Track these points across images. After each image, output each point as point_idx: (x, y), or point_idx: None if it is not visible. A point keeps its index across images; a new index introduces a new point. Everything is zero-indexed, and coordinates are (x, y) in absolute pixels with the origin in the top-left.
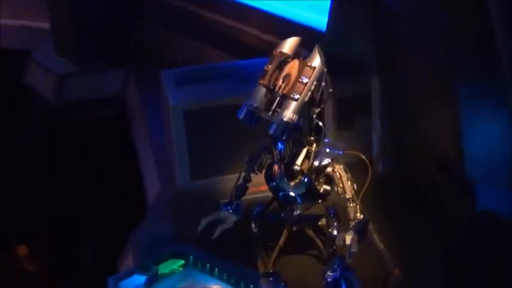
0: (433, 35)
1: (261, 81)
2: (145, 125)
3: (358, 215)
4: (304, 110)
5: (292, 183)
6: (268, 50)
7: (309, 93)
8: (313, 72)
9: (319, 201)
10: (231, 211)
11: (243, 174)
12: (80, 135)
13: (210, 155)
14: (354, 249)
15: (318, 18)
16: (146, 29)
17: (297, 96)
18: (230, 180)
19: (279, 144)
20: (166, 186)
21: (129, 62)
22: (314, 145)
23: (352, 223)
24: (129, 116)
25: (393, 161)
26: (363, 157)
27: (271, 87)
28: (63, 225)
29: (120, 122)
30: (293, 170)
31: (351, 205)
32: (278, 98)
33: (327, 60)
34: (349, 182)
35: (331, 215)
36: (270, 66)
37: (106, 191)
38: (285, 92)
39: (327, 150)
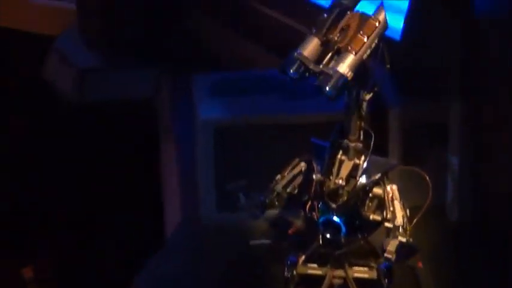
0: None
1: (314, 32)
2: (174, 138)
3: (407, 238)
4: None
5: (334, 205)
6: None
7: (369, 51)
8: (377, 26)
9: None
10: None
11: (269, 196)
12: (99, 140)
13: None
14: (389, 255)
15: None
16: (189, 21)
17: (354, 51)
18: (264, 215)
19: (322, 155)
20: (188, 215)
21: (165, 61)
22: (362, 157)
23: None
24: (158, 125)
25: (471, 209)
26: (424, 174)
27: (325, 40)
28: (70, 247)
29: (147, 130)
30: (336, 190)
31: (399, 232)
32: (331, 52)
33: (396, 75)
34: (400, 206)
35: (384, 268)
36: (326, 16)
37: (122, 209)
38: (341, 45)
39: (375, 165)
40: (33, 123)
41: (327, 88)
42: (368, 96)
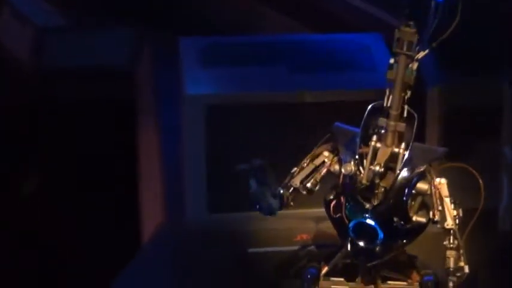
0: None
1: None
2: (156, 118)
3: (462, 264)
4: None
5: (369, 205)
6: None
7: None
8: None
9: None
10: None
11: (282, 190)
12: (62, 117)
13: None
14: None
15: None
16: None
17: None
18: (264, 220)
19: (350, 143)
20: (171, 216)
21: (144, 20)
22: (403, 145)
23: (453, 278)
24: (136, 101)
25: None
26: (476, 173)
27: None
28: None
29: (121, 107)
30: (371, 186)
31: (451, 244)
32: None
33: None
34: (452, 206)
35: (426, 281)
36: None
37: (91, 207)
38: None
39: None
40: None
41: None
42: (421, 55)
